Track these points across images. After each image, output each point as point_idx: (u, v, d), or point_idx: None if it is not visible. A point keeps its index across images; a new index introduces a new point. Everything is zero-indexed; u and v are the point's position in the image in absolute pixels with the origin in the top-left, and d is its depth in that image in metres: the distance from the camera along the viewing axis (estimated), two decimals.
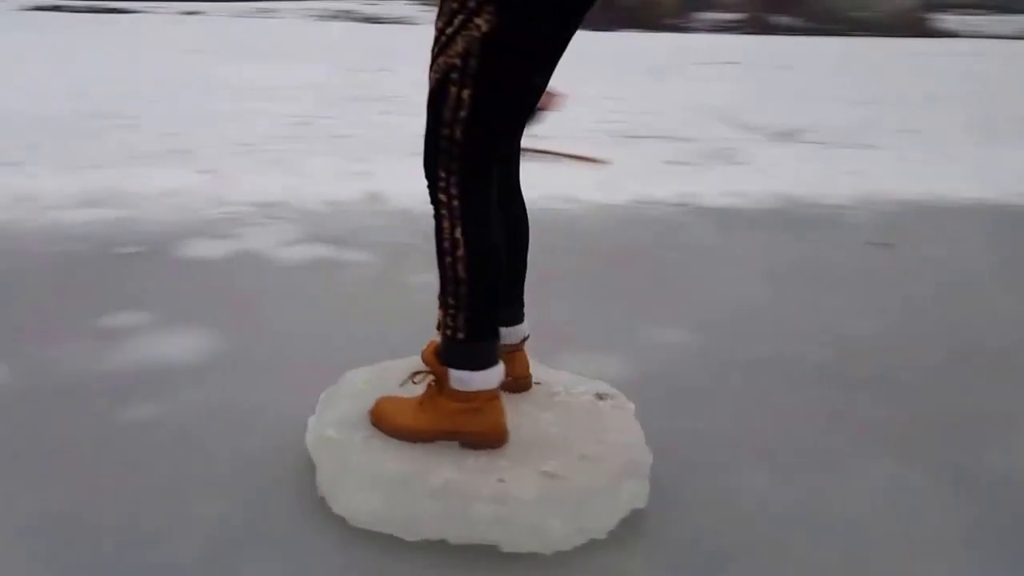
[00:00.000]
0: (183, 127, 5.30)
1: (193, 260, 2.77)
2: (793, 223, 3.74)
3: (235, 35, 15.08)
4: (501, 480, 1.30)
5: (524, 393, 1.58)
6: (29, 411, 1.74)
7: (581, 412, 1.53)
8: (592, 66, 8.99)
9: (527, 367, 1.62)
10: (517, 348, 1.59)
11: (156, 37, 13.93)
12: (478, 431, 1.39)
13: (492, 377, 1.39)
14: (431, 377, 1.42)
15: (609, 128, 6.03)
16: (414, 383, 1.45)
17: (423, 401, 1.41)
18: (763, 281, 2.85)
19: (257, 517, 1.39)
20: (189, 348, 2.06)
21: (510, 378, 1.51)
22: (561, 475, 1.32)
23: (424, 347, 1.44)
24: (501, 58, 1.24)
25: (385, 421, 1.42)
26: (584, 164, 4.66)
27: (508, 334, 1.55)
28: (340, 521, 1.36)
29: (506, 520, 1.28)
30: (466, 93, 1.26)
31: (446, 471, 1.32)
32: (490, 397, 1.39)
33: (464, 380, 1.37)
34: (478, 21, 1.22)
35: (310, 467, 1.46)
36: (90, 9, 22.63)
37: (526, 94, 1.34)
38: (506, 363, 1.49)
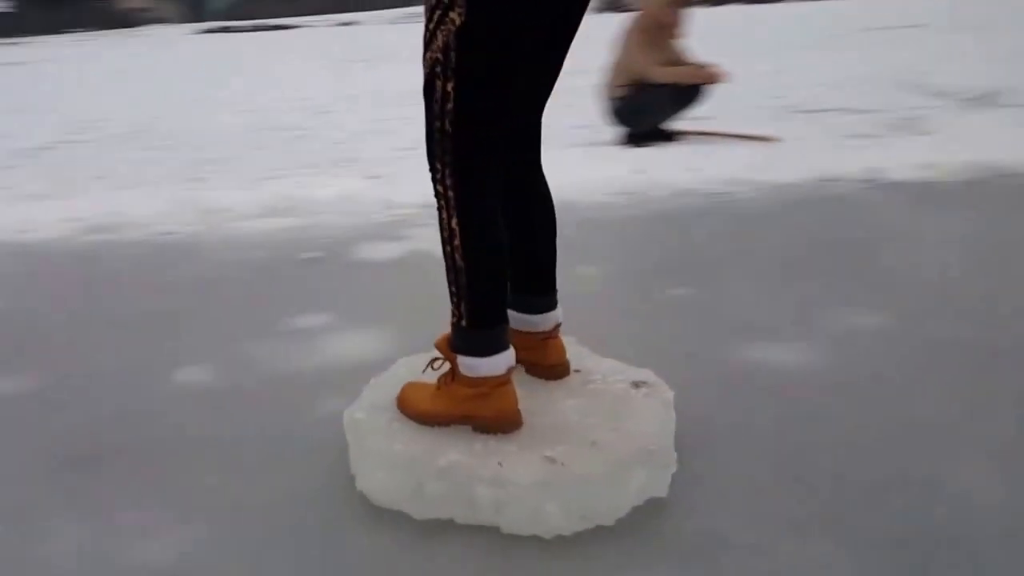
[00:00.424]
0: (349, 135, 5.60)
1: (368, 262, 2.90)
2: (991, 196, 3.39)
3: (391, 42, 15.78)
4: (500, 464, 1.33)
5: (560, 380, 1.59)
6: (233, 407, 1.88)
7: (609, 400, 1.51)
8: (754, 39, 8.58)
9: (562, 354, 1.62)
10: (550, 336, 1.60)
11: (317, 50, 14.85)
12: (488, 416, 1.43)
13: (499, 363, 1.41)
14: (447, 364, 1.47)
15: (779, 103, 5.74)
16: (433, 369, 1.51)
17: (439, 387, 1.47)
18: (960, 261, 2.61)
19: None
20: (371, 346, 2.16)
21: (546, 364, 1.57)
22: (562, 461, 1.33)
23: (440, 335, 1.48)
24: (476, 50, 1.27)
25: (406, 405, 1.50)
26: (752, 143, 4.45)
27: (539, 321, 1.58)
28: (363, 497, 1.44)
29: (504, 503, 1.31)
30: (450, 86, 1.30)
31: (453, 453, 1.36)
32: (499, 383, 1.42)
33: (471, 366, 1.42)
34: (452, 15, 1.26)
35: None
36: (256, 28, 24.59)
37: (509, 84, 1.34)
38: (539, 351, 1.56)
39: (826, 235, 3.02)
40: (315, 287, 2.67)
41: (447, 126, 1.33)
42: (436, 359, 1.51)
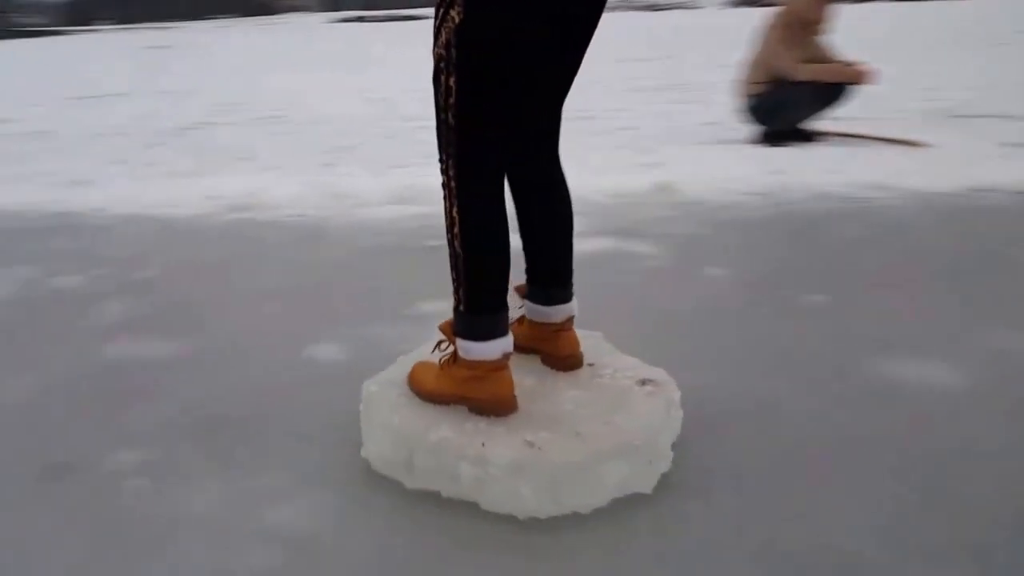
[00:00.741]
0: None
1: None
2: None
3: None
4: (483, 444, 1.39)
5: (571, 372, 1.63)
6: (357, 385, 1.97)
7: (611, 394, 1.54)
8: (903, 38, 8.12)
9: (575, 346, 1.65)
10: (562, 328, 1.64)
11: None
12: (482, 398, 1.49)
13: (493, 349, 1.47)
14: (452, 347, 1.53)
15: (929, 106, 5.41)
16: (440, 351, 1.58)
17: (443, 367, 1.55)
18: None
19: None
20: None
21: (558, 356, 1.63)
22: (540, 446, 1.37)
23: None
24: (475, 48, 1.33)
25: (414, 382, 1.58)
26: (899, 147, 4.22)
27: (552, 313, 1.63)
28: (367, 463, 1.55)
29: (483, 481, 1.38)
30: (452, 81, 1.35)
31: (444, 430, 1.44)
32: (495, 367, 1.47)
33: (467, 349, 1.48)
34: (452, 13, 1.32)
35: None
36: (389, 18, 25.39)
37: (507, 83, 1.37)
38: (552, 341, 1.63)
39: (976, 248, 2.82)
40: (439, 274, 2.73)
41: (450, 119, 1.38)
42: (441, 341, 1.58)
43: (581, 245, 2.94)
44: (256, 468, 1.59)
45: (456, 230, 1.45)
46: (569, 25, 1.41)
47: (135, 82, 10.09)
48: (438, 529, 1.38)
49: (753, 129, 4.59)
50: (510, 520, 1.37)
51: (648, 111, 5.93)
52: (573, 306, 1.66)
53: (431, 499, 1.44)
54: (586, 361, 1.66)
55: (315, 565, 1.32)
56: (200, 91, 9.04)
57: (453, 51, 1.34)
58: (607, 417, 1.45)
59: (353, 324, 2.29)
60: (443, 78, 1.37)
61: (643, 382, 1.57)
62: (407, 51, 13.39)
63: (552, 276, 1.64)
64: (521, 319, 1.70)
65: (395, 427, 1.49)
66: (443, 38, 1.35)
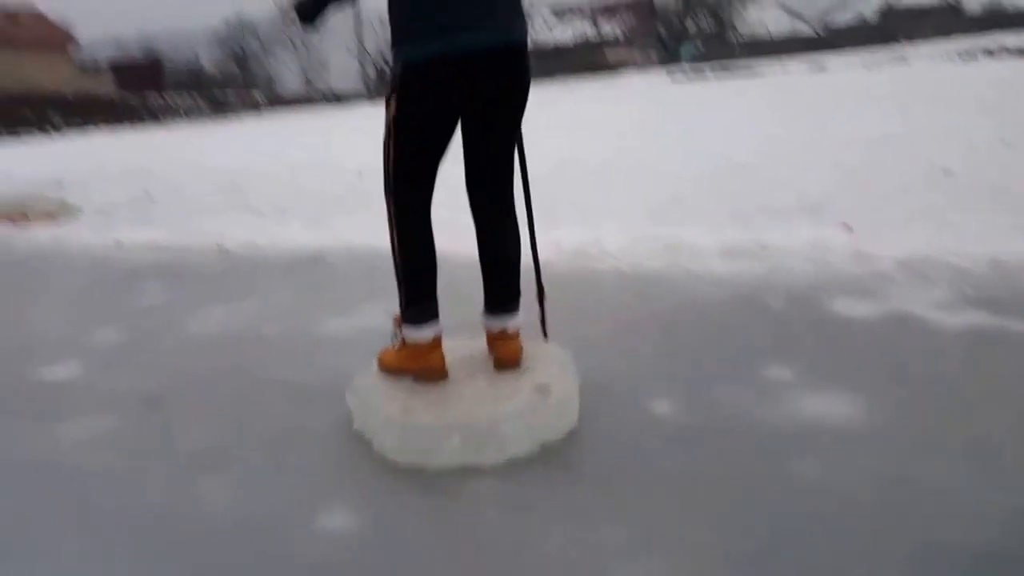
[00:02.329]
0: (816, 180, 5.40)
1: (839, 317, 2.74)
2: None
3: (862, 86, 14.91)
4: (406, 408, 1.99)
5: (502, 371, 2.13)
6: (692, 445, 1.93)
7: (505, 391, 2.02)
8: None
9: (510, 352, 2.15)
10: (498, 337, 2.16)
11: (783, 94, 14.70)
12: (418, 369, 2.11)
13: (423, 333, 2.08)
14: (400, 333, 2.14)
15: None
16: (395, 336, 2.18)
17: (397, 348, 2.17)
18: None
19: None
20: (841, 409, 2.03)
21: (495, 357, 2.16)
22: (411, 412, 1.97)
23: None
24: (402, 128, 1.96)
25: (379, 361, 2.22)
26: None
27: (492, 324, 2.17)
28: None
29: (402, 430, 1.95)
30: (391, 148, 2.00)
31: (399, 397, 2.06)
32: (429, 347, 2.09)
33: (407, 333, 2.10)
34: (392, 105, 1.95)
35: None
36: (727, 72, 25.31)
37: (422, 154, 2.00)
38: (493, 346, 2.17)
39: None
40: (781, 336, 2.61)
41: (390, 172, 2.03)
42: (397, 330, 2.17)
43: (948, 318, 2.63)
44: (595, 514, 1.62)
45: (395, 246, 2.06)
46: (479, 112, 1.98)
47: None
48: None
49: None
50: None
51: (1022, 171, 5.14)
52: (513, 321, 2.16)
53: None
54: (525, 376, 2.10)
55: None
56: (541, 146, 9.77)
57: (391, 129, 1.97)
58: (480, 404, 1.97)
59: (691, 381, 2.28)
60: (386, 145, 2.01)
61: (538, 387, 2.02)
62: (743, 102, 13.21)
63: (495, 295, 2.16)
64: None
65: (360, 388, 2.16)
66: (387, 117, 1.97)
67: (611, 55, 46.11)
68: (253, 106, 27.58)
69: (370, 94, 39.19)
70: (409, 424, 1.93)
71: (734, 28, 50.57)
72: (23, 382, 2.74)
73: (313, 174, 8.09)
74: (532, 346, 2.27)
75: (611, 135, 10.57)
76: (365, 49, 51.66)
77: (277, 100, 31.02)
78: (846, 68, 22.17)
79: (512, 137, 2.07)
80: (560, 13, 54.00)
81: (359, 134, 13.48)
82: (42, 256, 4.87)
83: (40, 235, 5.46)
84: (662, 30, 54.82)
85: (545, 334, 2.38)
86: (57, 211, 6.25)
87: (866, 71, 19.61)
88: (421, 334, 2.07)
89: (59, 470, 2.07)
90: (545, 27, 53.10)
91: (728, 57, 37.15)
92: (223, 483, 1.93)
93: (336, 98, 33.45)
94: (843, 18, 54.70)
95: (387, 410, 1.99)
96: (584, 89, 26.03)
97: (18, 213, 6.09)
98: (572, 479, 1.82)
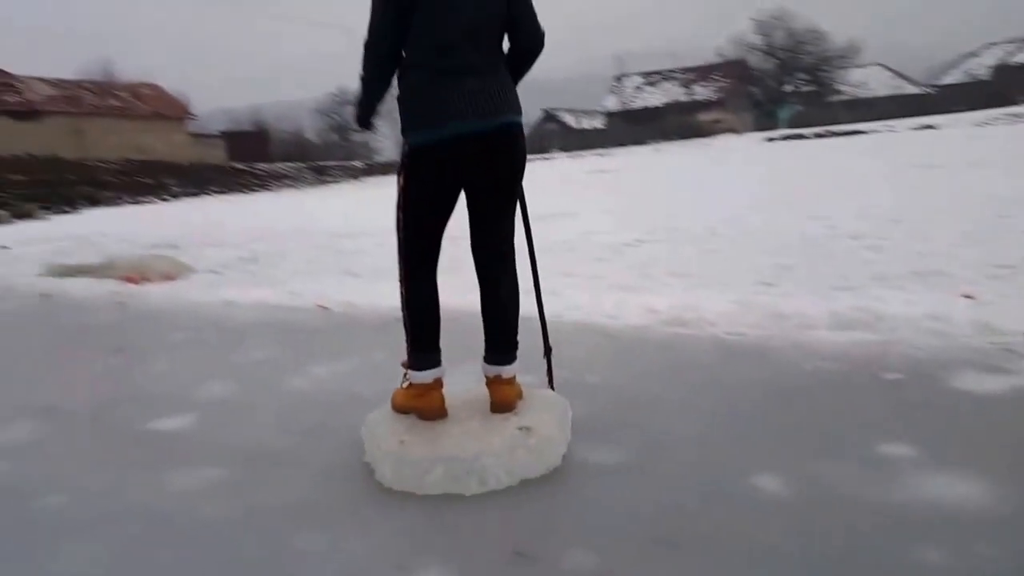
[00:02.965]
0: (933, 247, 5.18)
1: (962, 393, 2.59)
2: None
3: (976, 147, 14.33)
4: (402, 441, 2.29)
5: (497, 414, 2.40)
6: (801, 524, 1.84)
7: (491, 433, 2.27)
8: None
9: (505, 396, 2.42)
10: (494, 381, 2.43)
11: (889, 154, 14.29)
12: (420, 407, 2.42)
13: (424, 376, 2.40)
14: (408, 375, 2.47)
15: None
16: (405, 378, 2.50)
17: (405, 389, 2.49)
18: None
19: None
20: (965, 492, 1.90)
21: (492, 400, 2.43)
22: (409, 443, 2.28)
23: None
24: (408, 200, 2.32)
25: (392, 400, 2.54)
26: None
27: (488, 371, 2.45)
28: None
29: (396, 461, 2.24)
30: (400, 215, 2.34)
31: (399, 430, 2.36)
32: (429, 388, 2.40)
33: (412, 376, 2.42)
34: (400, 178, 2.32)
35: None
36: (828, 133, 24.81)
37: (427, 220, 2.34)
38: (490, 390, 2.45)
39: None
40: (897, 412, 2.48)
41: (400, 239, 2.37)
42: (406, 372, 2.47)
43: None
44: None
45: (404, 300, 2.40)
46: (478, 186, 2.33)
47: (580, 203, 11.30)
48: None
49: None
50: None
51: None
52: (505, 369, 2.43)
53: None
54: (515, 418, 2.35)
55: None
56: (638, 210, 9.76)
57: (401, 201, 2.33)
58: (465, 442, 2.23)
59: (800, 458, 2.18)
60: (397, 212, 2.35)
61: (523, 429, 2.27)
62: (843, 166, 12.90)
63: (493, 345, 2.45)
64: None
65: (370, 424, 2.48)
66: (397, 192, 2.33)
67: (705, 118, 46.05)
68: (352, 173, 28.77)
69: None
70: (403, 456, 2.23)
71: (835, 89, 49.72)
72: (137, 432, 2.88)
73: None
74: (534, 393, 2.54)
75: (708, 198, 10.48)
76: None
77: (374, 168, 32.30)
78: (956, 126, 21.40)
79: (509, 204, 2.41)
80: (651, 78, 54.51)
81: None
82: (158, 313, 5.15)
83: (157, 293, 5.79)
84: (758, 92, 54.49)
85: (552, 386, 2.65)
86: (173, 271, 6.62)
87: (979, 130, 18.87)
88: (423, 377, 2.41)
89: (167, 518, 2.15)
90: (635, 92, 53.67)
91: (829, 119, 36.46)
92: (318, 538, 1.96)
93: None
94: (952, 77, 53.07)
95: (387, 444, 2.30)
96: (678, 152, 26.04)
97: (138, 273, 6.49)
98: (672, 552, 1.76)
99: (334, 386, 3.26)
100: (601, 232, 7.69)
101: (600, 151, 34.85)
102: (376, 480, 2.25)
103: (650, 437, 2.43)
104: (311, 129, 52.12)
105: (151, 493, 2.33)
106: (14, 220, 14.44)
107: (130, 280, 6.34)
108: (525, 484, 2.15)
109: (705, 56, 54.69)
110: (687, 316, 3.91)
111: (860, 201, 8.07)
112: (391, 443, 2.28)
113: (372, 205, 14.25)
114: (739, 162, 18.63)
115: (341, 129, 52.87)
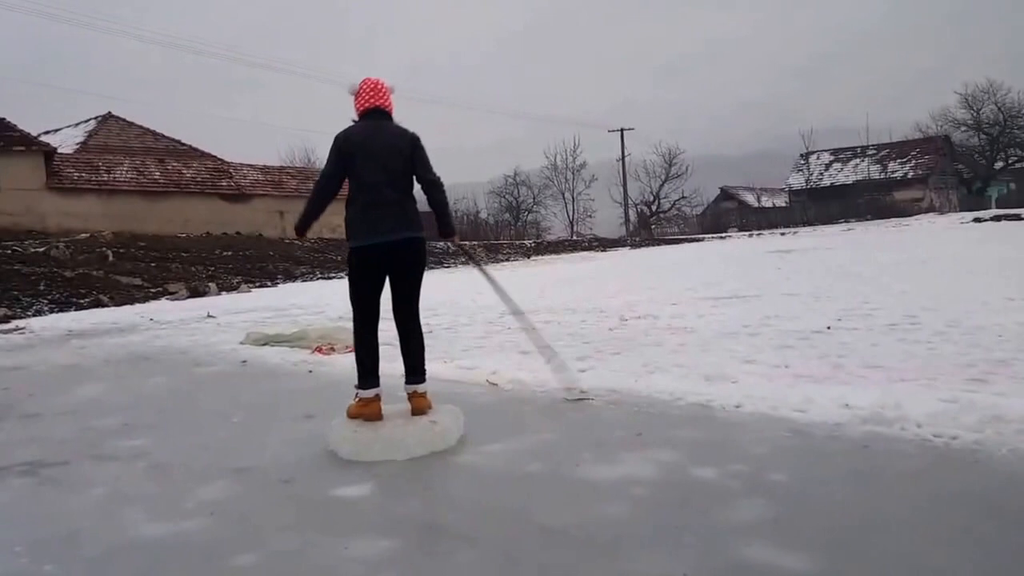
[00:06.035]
0: None
1: None
2: None
3: None
4: (355, 431, 3.72)
5: (415, 418, 3.81)
6: None
7: (413, 423, 3.77)
8: None
9: (417, 404, 3.86)
10: (412, 395, 3.90)
11: None
12: (365, 414, 3.80)
13: (368, 392, 3.84)
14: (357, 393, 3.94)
15: None
16: (356, 396, 3.92)
17: (356, 402, 3.89)
18: None
19: None
20: None
21: (410, 410, 3.88)
22: (364, 432, 3.72)
23: None
24: (352, 282, 3.93)
25: (347, 411, 3.90)
26: None
27: (407, 389, 3.92)
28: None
29: (352, 442, 3.68)
30: (350, 291, 3.94)
31: (353, 426, 3.81)
32: (372, 401, 3.82)
33: (359, 392, 3.88)
34: (348, 268, 3.97)
35: None
36: None
37: (365, 294, 3.88)
38: (410, 402, 3.90)
39: None
40: None
41: (352, 304, 3.92)
42: (356, 392, 3.88)
43: None
44: None
45: (355, 344, 3.90)
46: (394, 274, 3.86)
47: (764, 285, 10.91)
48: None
49: None
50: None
51: None
52: (419, 386, 3.88)
53: None
54: (427, 417, 3.78)
55: None
56: (826, 294, 9.28)
57: (349, 282, 3.93)
58: (389, 433, 3.66)
59: None
60: (349, 288, 3.92)
61: (431, 421, 3.72)
62: None
63: (411, 370, 3.91)
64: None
65: (336, 427, 3.86)
66: (349, 267, 3.93)
67: (902, 196, 43.43)
68: (524, 252, 29.64)
69: (630, 239, 40.48)
70: (352, 437, 3.66)
71: None
72: (320, 498, 3.06)
73: (575, 317, 8.39)
74: (437, 405, 3.92)
75: (906, 280, 9.79)
76: (629, 197, 54.03)
77: (541, 246, 33.13)
78: None
79: (415, 285, 3.93)
80: (841, 154, 52.39)
81: (621, 279, 13.84)
82: (344, 382, 5.49)
83: (342, 362, 6.18)
84: (964, 169, 50.82)
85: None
86: None
87: None
88: (367, 393, 3.83)
89: None
90: (823, 169, 51.74)
91: None
92: None
93: (599, 243, 35.12)
94: None
95: (343, 431, 3.73)
96: (873, 231, 24.66)
97: (327, 344, 6.98)
98: None
99: (504, 465, 3.31)
100: (785, 317, 7.37)
101: (783, 229, 33.68)
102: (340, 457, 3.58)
103: (839, 549, 2.25)
104: (486, 209, 54.60)
105: (329, 559, 2.46)
106: (221, 292, 16.01)
107: (319, 351, 6.81)
108: (433, 455, 3.53)
109: (905, 131, 52.11)
110: (888, 415, 3.62)
111: None
112: (346, 431, 3.71)
113: (538, 281, 14.55)
114: (941, 242, 17.35)
115: (512, 209, 54.94)
